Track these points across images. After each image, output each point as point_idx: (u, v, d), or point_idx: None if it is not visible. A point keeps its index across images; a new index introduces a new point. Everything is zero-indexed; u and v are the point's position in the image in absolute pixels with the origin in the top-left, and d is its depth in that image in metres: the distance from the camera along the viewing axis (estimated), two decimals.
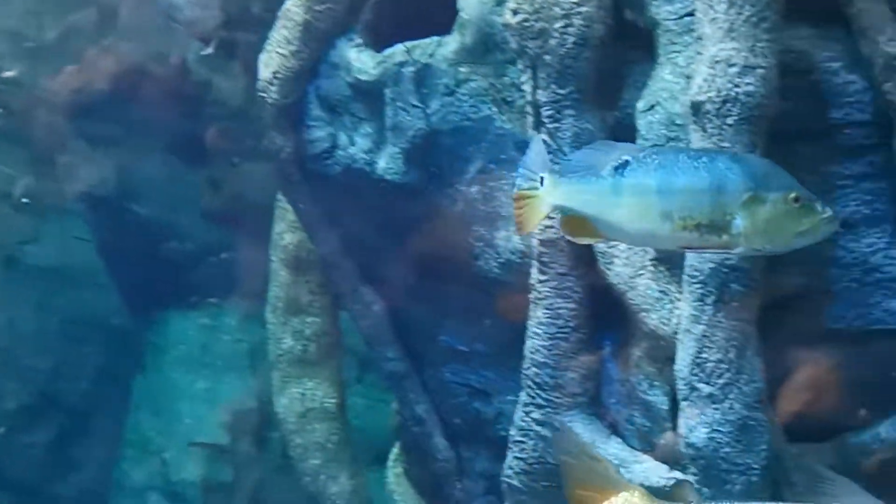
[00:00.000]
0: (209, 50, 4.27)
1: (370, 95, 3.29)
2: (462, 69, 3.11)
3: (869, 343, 2.78)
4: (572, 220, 2.38)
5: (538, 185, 2.35)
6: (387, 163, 3.26)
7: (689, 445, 2.69)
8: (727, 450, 2.66)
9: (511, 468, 3.09)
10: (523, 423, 3.04)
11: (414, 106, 3.18)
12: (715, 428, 2.65)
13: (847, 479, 2.40)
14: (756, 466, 2.66)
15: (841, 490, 2.32)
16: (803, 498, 2.69)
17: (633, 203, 2.29)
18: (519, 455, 3.06)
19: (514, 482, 3.08)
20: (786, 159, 2.49)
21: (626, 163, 2.31)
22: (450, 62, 3.13)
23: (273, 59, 3.35)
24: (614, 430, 2.96)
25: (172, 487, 4.85)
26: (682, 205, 2.25)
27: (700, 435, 2.67)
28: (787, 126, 2.63)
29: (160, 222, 4.74)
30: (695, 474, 2.70)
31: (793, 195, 2.27)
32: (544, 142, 2.69)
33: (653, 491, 2.77)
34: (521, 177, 2.40)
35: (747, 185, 2.26)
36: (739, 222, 2.25)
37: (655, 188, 2.26)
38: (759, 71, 2.57)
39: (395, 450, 3.85)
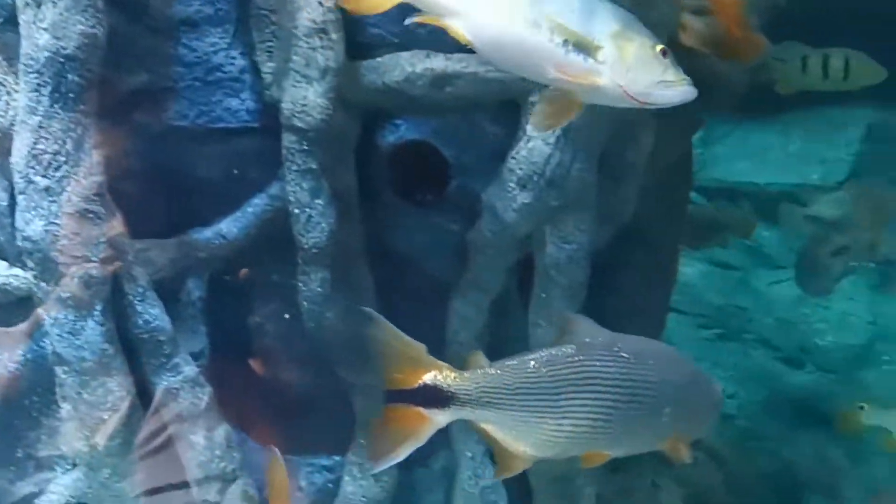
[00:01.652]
0: None
1: None
2: None
3: (211, 141, 2.85)
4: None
5: None
6: None
7: (26, 239, 2.64)
8: (64, 242, 2.64)
9: None
10: None
11: None
12: (51, 221, 2.62)
13: (586, 316, 2.45)
14: (93, 259, 2.66)
15: (579, 327, 2.40)
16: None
17: (502, 3, 2.20)
18: None
19: None
20: None
21: None
22: None
23: None
24: None
25: None
26: (553, 13, 2.18)
27: (36, 228, 2.62)
28: None
29: None
30: (32, 268, 2.67)
31: (660, 46, 2.24)
32: None
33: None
34: None
35: (619, 20, 2.23)
36: (607, 51, 2.19)
37: None
38: None
39: None
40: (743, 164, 5.06)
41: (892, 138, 4.85)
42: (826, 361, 4.79)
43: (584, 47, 2.20)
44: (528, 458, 2.31)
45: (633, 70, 2.22)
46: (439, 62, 2.80)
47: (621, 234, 3.15)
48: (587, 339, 2.36)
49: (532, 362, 2.29)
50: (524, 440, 2.29)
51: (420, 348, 2.28)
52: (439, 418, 2.24)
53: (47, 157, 2.60)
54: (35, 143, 2.59)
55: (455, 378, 2.24)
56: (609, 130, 2.85)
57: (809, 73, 3.96)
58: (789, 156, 5.02)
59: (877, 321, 4.78)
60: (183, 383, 2.81)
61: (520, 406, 2.26)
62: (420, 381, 2.23)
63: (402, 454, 2.25)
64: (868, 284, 4.84)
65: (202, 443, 2.83)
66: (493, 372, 2.27)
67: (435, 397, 2.23)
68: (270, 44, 2.77)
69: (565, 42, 2.19)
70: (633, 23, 2.28)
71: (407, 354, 2.26)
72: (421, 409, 2.23)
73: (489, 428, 2.29)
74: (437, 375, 2.24)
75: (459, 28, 2.23)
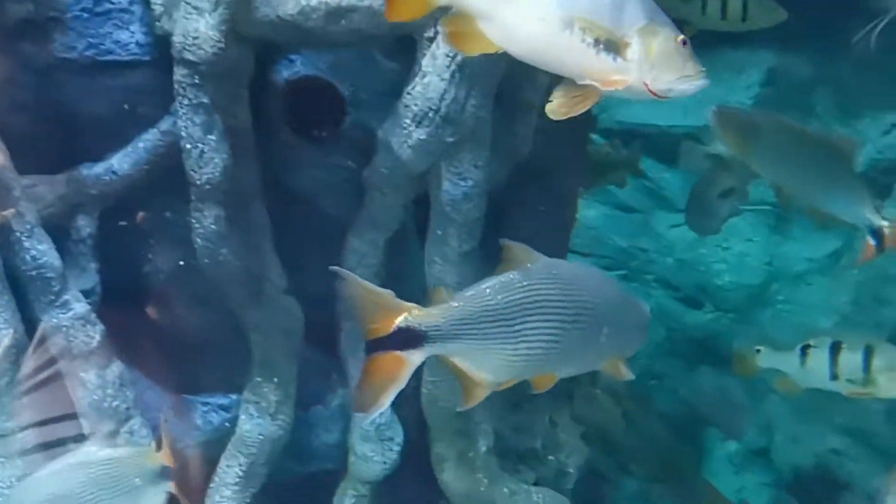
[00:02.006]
0: None
1: None
2: None
3: (100, 74, 2.80)
4: (460, 26, 2.17)
5: None
6: None
7: None
8: None
9: None
10: None
11: None
12: None
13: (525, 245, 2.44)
14: None
15: (517, 254, 2.40)
16: None
17: (533, 4, 2.13)
18: None
19: None
20: None
21: None
22: None
23: None
24: None
25: None
26: (585, 10, 2.12)
27: None
28: None
29: None
30: None
31: (680, 37, 2.19)
32: None
33: None
34: None
35: (645, 12, 2.18)
36: (635, 48, 2.14)
37: None
38: None
39: None
40: (644, 106, 5.08)
41: (792, 81, 4.90)
42: (724, 301, 4.85)
43: (614, 46, 2.16)
44: (488, 384, 2.35)
45: (658, 67, 2.18)
46: None
47: (520, 173, 3.16)
48: (528, 265, 2.38)
49: (487, 290, 2.32)
50: (484, 367, 2.33)
51: (388, 294, 2.28)
52: (415, 358, 2.26)
53: None
54: None
55: (424, 316, 2.26)
56: (505, 67, 2.84)
57: (708, 13, 3.98)
58: (690, 98, 5.03)
59: (773, 262, 4.85)
60: (73, 321, 2.77)
61: (482, 335, 2.30)
62: (394, 326, 2.24)
63: (387, 400, 2.26)
64: (766, 225, 4.91)
65: (94, 381, 2.79)
66: (457, 305, 2.30)
67: (409, 339, 2.25)
68: None
69: (596, 41, 2.16)
70: (658, 13, 2.24)
71: (377, 303, 2.27)
72: (398, 353, 2.24)
73: (456, 360, 2.32)
74: (407, 317, 2.24)
75: (490, 32, 2.19)
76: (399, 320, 2.23)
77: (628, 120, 5.11)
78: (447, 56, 2.74)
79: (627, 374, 2.54)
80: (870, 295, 4.52)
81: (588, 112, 3.74)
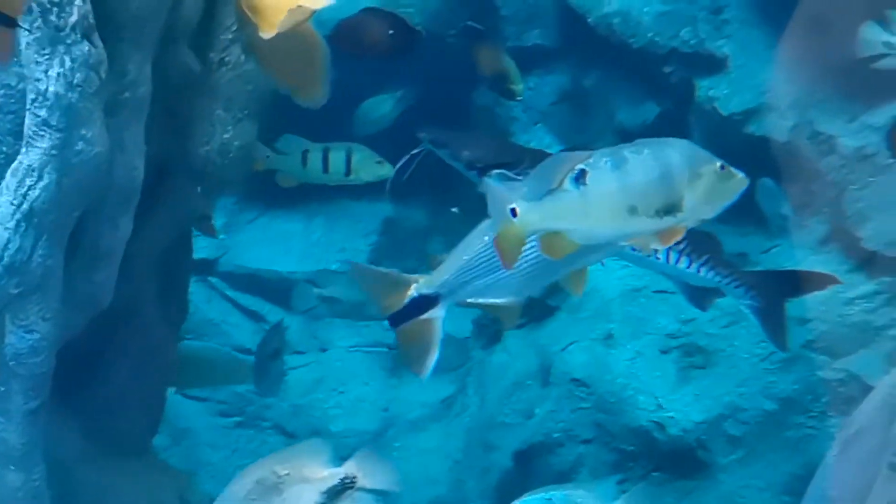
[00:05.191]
0: None
1: None
2: None
3: None
4: (552, 240, 2.38)
5: (512, 217, 2.32)
6: None
7: None
8: None
9: None
10: None
11: None
12: None
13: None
14: None
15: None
16: None
17: (603, 208, 2.34)
18: None
19: None
20: None
21: (583, 172, 2.33)
22: None
23: None
24: None
25: None
26: (642, 196, 2.33)
27: None
28: None
29: None
30: None
31: (718, 164, 2.38)
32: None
33: None
34: (496, 219, 2.37)
35: (689, 165, 2.36)
36: (689, 200, 2.34)
37: (617, 189, 2.33)
38: None
39: None
40: (266, 250, 5.07)
41: (409, 229, 5.05)
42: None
43: (671, 209, 2.37)
44: (516, 305, 2.69)
45: (708, 203, 2.41)
46: None
47: (112, 320, 3.07)
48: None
49: (475, 238, 2.61)
50: (507, 293, 2.62)
51: (394, 272, 2.69)
52: (438, 314, 2.62)
53: None
54: None
55: (431, 280, 2.62)
56: (78, 214, 2.76)
57: (310, 166, 4.03)
58: (311, 244, 5.10)
59: (389, 407, 4.89)
60: None
61: (487, 271, 2.58)
62: (407, 298, 2.61)
63: (435, 352, 2.62)
64: (383, 368, 4.95)
65: None
66: (452, 260, 2.63)
67: (426, 303, 2.60)
68: None
69: (657, 212, 2.37)
70: (695, 152, 2.43)
71: (387, 282, 2.65)
72: (423, 317, 2.61)
73: (478, 299, 2.64)
74: (417, 286, 2.62)
75: (575, 237, 2.38)
76: (411, 292, 2.60)
77: (249, 265, 5.09)
78: (11, 204, 2.64)
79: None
80: (478, 441, 4.62)
81: (187, 252, 3.72)
